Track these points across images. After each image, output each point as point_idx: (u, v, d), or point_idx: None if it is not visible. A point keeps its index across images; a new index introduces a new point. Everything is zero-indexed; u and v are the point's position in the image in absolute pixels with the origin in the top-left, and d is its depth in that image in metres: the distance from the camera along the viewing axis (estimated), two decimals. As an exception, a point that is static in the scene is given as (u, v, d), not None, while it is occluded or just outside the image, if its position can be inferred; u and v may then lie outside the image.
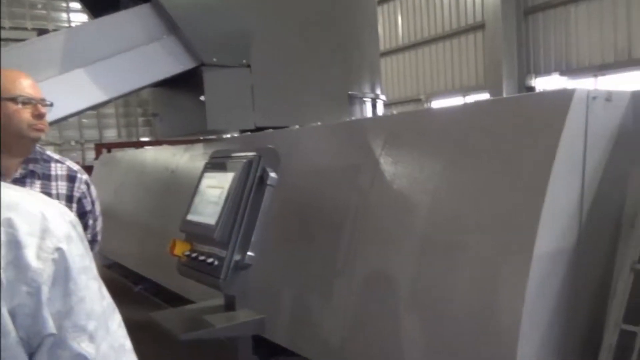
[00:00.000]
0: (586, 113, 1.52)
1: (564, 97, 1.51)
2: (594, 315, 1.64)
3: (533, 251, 1.45)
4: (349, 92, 4.21)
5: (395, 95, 17.16)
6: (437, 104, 15.62)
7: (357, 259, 2.04)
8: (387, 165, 2.01)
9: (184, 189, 3.22)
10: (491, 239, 1.58)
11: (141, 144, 9.12)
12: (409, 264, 1.80)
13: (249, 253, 2.55)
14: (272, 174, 2.61)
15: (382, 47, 13.35)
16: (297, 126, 3.23)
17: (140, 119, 13.71)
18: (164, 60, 3.53)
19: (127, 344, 1.10)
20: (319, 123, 3.01)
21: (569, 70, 12.58)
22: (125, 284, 4.23)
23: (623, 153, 1.65)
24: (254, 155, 2.64)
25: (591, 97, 1.54)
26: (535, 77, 13.35)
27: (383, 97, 4.70)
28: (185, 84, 3.71)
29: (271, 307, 2.42)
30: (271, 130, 3.47)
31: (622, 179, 1.67)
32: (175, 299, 3.32)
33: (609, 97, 1.58)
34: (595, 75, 12.12)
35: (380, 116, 4.11)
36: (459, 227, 1.69)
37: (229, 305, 2.63)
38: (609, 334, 1.59)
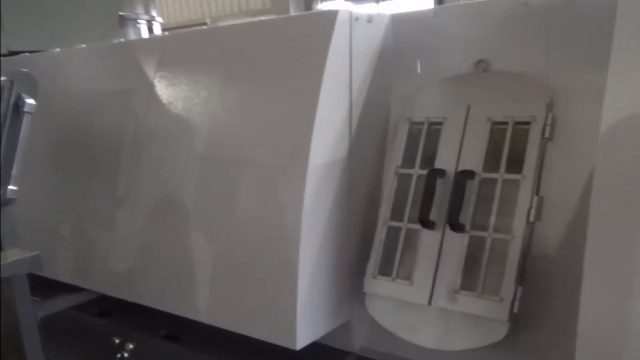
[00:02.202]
0: (350, 33, 1.76)
1: (328, 18, 1.71)
2: (368, 215, 1.99)
3: (308, 163, 1.68)
4: (120, 14, 4.02)
5: (178, 19, 16.57)
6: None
7: (139, 185, 2.08)
8: (163, 87, 2.05)
9: None
10: (269, 153, 1.78)
11: None
12: (193, 185, 1.91)
13: (10, 187, 2.41)
14: (29, 100, 2.45)
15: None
16: (57, 49, 3.04)
17: None
18: None
19: None
20: (83, 45, 2.88)
21: (352, -6, 13.50)
22: None
23: (385, 70, 1.95)
24: (6, 81, 2.45)
25: (354, 19, 1.78)
26: (322, 2, 14.06)
27: (160, 19, 4.58)
28: None
29: (48, 243, 2.35)
30: (27, 54, 3.24)
31: (385, 93, 1.99)
32: None
33: (370, 19, 1.84)
34: (377, 1, 13.23)
35: (152, 37, 4.04)
36: (239, 144, 1.85)
37: (-5, 245, 2.48)
38: (379, 230, 1.95)
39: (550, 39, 1.88)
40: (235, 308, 1.95)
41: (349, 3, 13.12)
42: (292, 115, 1.78)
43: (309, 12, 2.11)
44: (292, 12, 13.25)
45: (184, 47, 2.15)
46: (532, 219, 1.79)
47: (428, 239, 1.89)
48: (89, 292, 2.41)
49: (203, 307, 2.05)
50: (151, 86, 2.08)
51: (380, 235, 1.98)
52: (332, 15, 1.74)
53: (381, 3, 12.94)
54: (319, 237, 1.82)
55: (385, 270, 1.96)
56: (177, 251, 2.01)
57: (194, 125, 1.97)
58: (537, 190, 1.83)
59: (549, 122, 1.82)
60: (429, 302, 1.86)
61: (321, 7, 13.72)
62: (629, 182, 1.43)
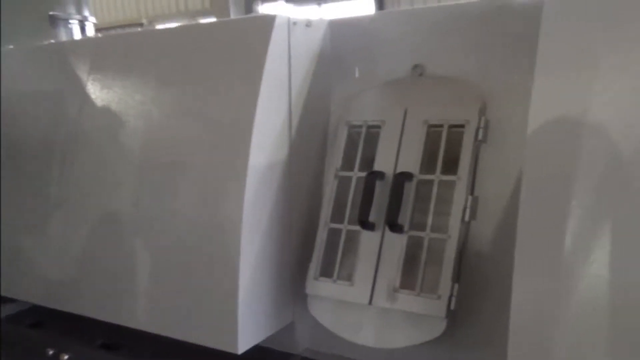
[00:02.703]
0: (288, 37, 1.80)
1: (266, 23, 1.75)
2: (309, 217, 2.03)
3: (248, 165, 1.71)
4: (50, 13, 3.91)
5: (113, 19, 16.19)
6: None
7: (72, 191, 2.05)
8: (97, 91, 2.04)
9: None
10: (208, 157, 1.80)
11: None
12: (128, 190, 1.90)
13: None
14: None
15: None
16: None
17: None
18: None
19: None
20: (11, 47, 2.80)
21: (293, -3, 13.60)
22: None
23: (325, 74, 2.00)
24: None
25: (292, 23, 1.82)
26: (262, 4, 14.09)
27: (93, 19, 4.49)
28: None
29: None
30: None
31: (325, 96, 2.04)
32: None
33: (308, 23, 1.89)
34: (319, 4, 13.38)
35: (84, 38, 3.96)
36: (177, 148, 1.86)
37: None
38: (320, 232, 2.00)
39: (483, 45, 1.98)
40: (175, 314, 1.95)
41: (290, 5, 13.22)
42: (231, 118, 1.80)
43: (246, 16, 2.14)
44: (232, 14, 13.23)
45: (119, 49, 2.14)
46: (467, 218, 1.88)
47: (368, 240, 1.95)
48: (20, 303, 2.33)
49: (141, 314, 2.04)
50: (84, 89, 2.05)
51: (321, 236, 2.02)
52: (269, 19, 1.78)
53: (323, 6, 13.10)
54: (260, 240, 1.85)
55: (326, 271, 2.01)
56: (113, 258, 1.99)
57: (128, 129, 1.96)
58: (471, 190, 1.91)
59: (482, 125, 1.91)
60: (370, 302, 1.91)
61: (262, 8, 13.75)
62: (556, 180, 1.53)
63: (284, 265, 1.99)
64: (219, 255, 1.81)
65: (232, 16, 13.31)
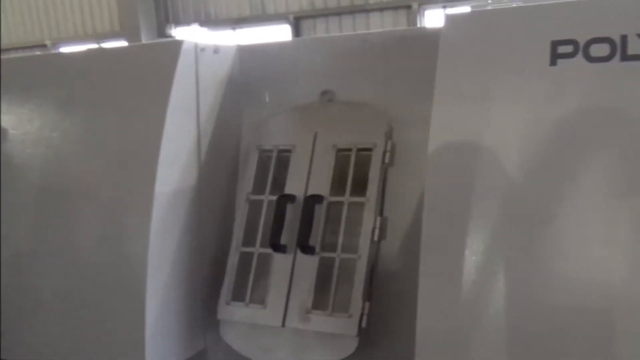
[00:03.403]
0: (196, 63, 1.84)
1: (173, 48, 1.79)
2: (221, 241, 2.05)
3: (154, 192, 1.72)
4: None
5: (13, 39, 15.48)
6: (66, 50, 14.76)
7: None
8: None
9: None
10: (114, 185, 1.79)
11: None
12: (29, 220, 1.85)
13: None
14: None
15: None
16: None
17: None
18: None
19: None
20: None
21: (208, 21, 13.60)
22: None
23: (234, 99, 2.05)
24: None
25: (199, 49, 1.87)
26: (175, 27, 13.98)
27: (-8, 40, 4.31)
28: None
29: None
30: None
31: (236, 122, 2.09)
32: None
33: (216, 49, 1.94)
34: (234, 28, 13.45)
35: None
36: (80, 176, 1.83)
37: None
38: (231, 256, 2.02)
39: (387, 72, 2.11)
40: (83, 343, 1.90)
41: (205, 29, 13.21)
42: (137, 144, 1.81)
43: (153, 41, 2.16)
44: (144, 37, 13.01)
45: (19, 72, 2.09)
46: (376, 238, 1.97)
47: (280, 262, 2.00)
48: None
49: (50, 350, 1.97)
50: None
51: (232, 261, 2.05)
52: (176, 45, 1.82)
53: (238, 31, 13.18)
54: (169, 266, 1.85)
55: (238, 295, 2.03)
56: (15, 290, 1.91)
57: (26, 156, 1.91)
58: (380, 211, 2.01)
59: (388, 148, 2.02)
60: (283, 324, 1.95)
61: (175, 32, 13.63)
62: (454, 197, 1.65)
63: (194, 291, 1.99)
64: (124, 286, 1.80)
65: (144, 39, 13.09)
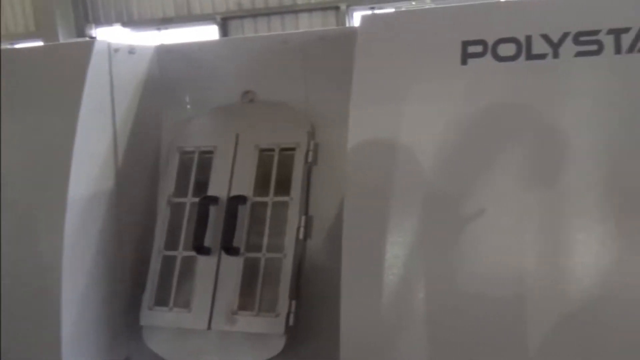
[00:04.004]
0: (109, 63, 1.80)
1: (85, 48, 1.74)
2: (142, 245, 2.02)
3: (67, 196, 1.67)
4: None
5: None
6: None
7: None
8: None
9: None
10: (26, 187, 1.72)
11: None
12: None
13: None
14: None
15: None
16: None
17: None
18: None
19: None
20: None
21: (131, 21, 13.23)
22: None
23: (153, 100, 2.02)
24: None
25: (113, 49, 1.83)
26: (96, 27, 13.52)
27: None
28: None
29: None
30: None
31: (155, 123, 2.06)
32: None
33: (132, 50, 1.91)
34: (159, 29, 13.15)
35: None
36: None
37: None
38: (153, 261, 1.99)
39: (308, 72, 2.13)
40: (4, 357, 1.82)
41: (127, 30, 12.85)
42: (48, 147, 1.75)
43: (65, 41, 2.10)
44: (61, 37, 12.52)
45: None
46: (301, 237, 1.99)
47: (204, 265, 1.99)
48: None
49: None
50: None
51: (155, 265, 2.02)
52: (88, 45, 1.77)
53: (164, 32, 12.90)
54: (86, 273, 1.80)
55: (162, 300, 2.00)
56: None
57: None
58: (305, 210, 2.03)
59: (311, 148, 2.05)
60: (209, 327, 1.94)
61: (95, 32, 13.19)
62: (373, 195, 1.70)
63: (115, 298, 1.95)
64: (38, 294, 1.73)
65: (61, 40, 12.60)
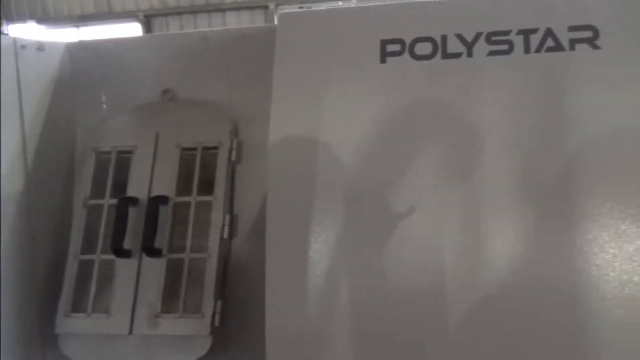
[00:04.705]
0: (16, 61, 1.70)
1: (-14, 45, 1.64)
2: (57, 250, 1.92)
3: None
4: None
5: None
6: None
7: None
8: None
9: None
10: None
11: None
12: None
13: None
14: None
15: None
16: None
17: None
18: None
19: None
20: None
21: (46, 18, 12.61)
22: None
23: (66, 99, 1.93)
24: None
25: (20, 46, 1.73)
26: (8, 24, 12.80)
27: None
28: None
29: None
30: None
31: (69, 123, 1.96)
32: None
33: (40, 47, 1.81)
34: (77, 26, 12.60)
35: None
36: None
37: None
38: (69, 265, 1.90)
39: (230, 70, 2.10)
40: None
41: (43, 27, 12.25)
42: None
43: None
44: (-27, 34, 11.79)
45: None
46: (226, 236, 1.96)
47: (124, 268, 1.92)
48: None
49: None
50: None
51: (71, 270, 1.93)
52: (-9, 42, 1.67)
53: (82, 29, 12.38)
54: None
55: (80, 306, 1.92)
56: None
57: None
58: (230, 209, 2.00)
59: (234, 146, 2.02)
60: (130, 332, 1.88)
61: (7, 30, 12.49)
62: (296, 193, 1.69)
63: (28, 305, 1.84)
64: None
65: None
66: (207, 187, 1.99)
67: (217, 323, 1.88)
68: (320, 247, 1.67)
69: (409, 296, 1.62)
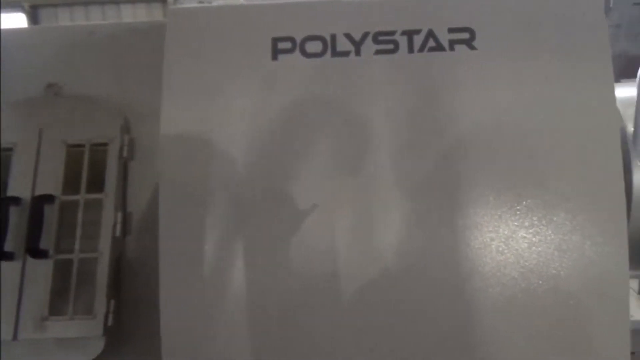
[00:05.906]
0: None
1: None
2: None
3: None
4: None
5: None
6: None
7: None
8: None
9: None
10: None
11: None
12: None
13: None
14: None
15: None
16: None
17: None
18: None
19: None
20: None
21: None
22: None
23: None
24: None
25: None
26: None
27: None
28: None
29: None
30: None
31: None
32: None
33: None
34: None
35: None
36: None
37: None
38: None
39: (119, 65, 2.02)
40: None
41: None
42: None
43: None
44: None
45: None
46: (118, 234, 1.89)
47: (6, 271, 1.80)
48: None
49: None
50: None
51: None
52: None
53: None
54: None
55: (-45, 314, 1.78)
56: None
57: None
58: (123, 206, 1.93)
59: (126, 142, 1.95)
60: (14, 337, 1.77)
61: None
62: (187, 190, 1.67)
63: None
64: None
65: None
66: (99, 185, 1.91)
67: (110, 323, 1.82)
68: (214, 244, 1.66)
69: (303, 292, 1.66)
